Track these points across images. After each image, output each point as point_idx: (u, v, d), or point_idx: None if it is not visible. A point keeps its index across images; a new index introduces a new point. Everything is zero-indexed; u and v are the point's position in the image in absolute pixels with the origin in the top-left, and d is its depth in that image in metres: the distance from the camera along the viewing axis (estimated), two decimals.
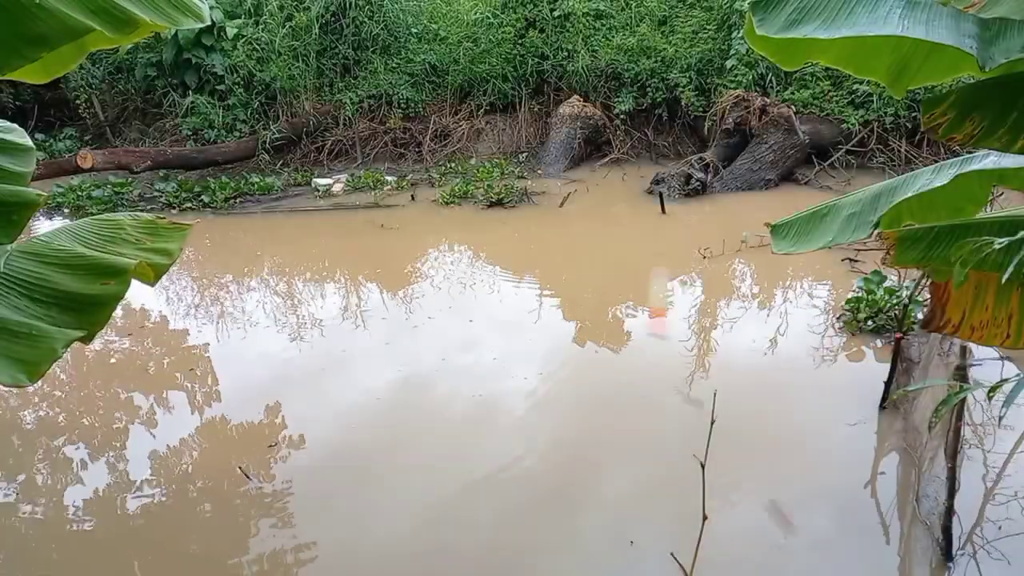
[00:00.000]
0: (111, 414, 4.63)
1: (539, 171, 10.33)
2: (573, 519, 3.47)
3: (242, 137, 10.85)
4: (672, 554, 3.05)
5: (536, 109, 11.43)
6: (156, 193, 9.60)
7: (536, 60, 11.10)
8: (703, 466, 2.45)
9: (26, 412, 4.66)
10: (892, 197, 2.29)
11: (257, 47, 11.05)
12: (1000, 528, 3.27)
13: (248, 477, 3.84)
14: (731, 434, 3.29)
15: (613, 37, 10.93)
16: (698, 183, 8.89)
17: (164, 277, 2.39)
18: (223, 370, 5.25)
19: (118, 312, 5.99)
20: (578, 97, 10.79)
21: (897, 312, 4.94)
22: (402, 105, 11.18)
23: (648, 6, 11.15)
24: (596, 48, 10.89)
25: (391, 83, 11.16)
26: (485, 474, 3.83)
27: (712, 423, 2.50)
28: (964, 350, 3.18)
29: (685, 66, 10.46)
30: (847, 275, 6.30)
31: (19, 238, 1.93)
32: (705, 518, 2.20)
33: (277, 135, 10.75)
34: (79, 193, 9.35)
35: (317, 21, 10.90)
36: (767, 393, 4.59)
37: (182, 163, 10.31)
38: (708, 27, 10.76)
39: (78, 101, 12.12)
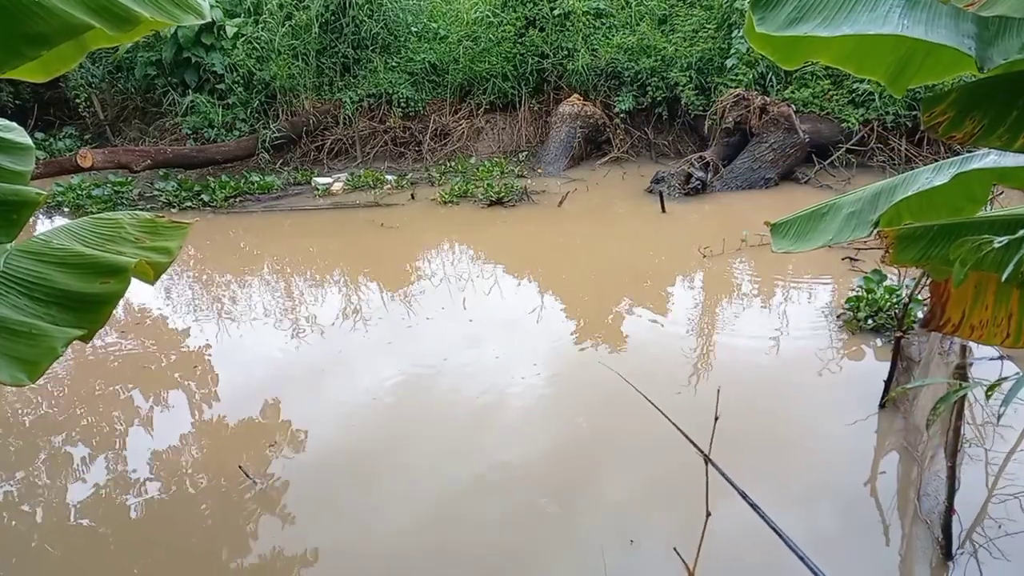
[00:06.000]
0: (111, 413, 4.63)
1: (539, 170, 10.33)
2: (574, 518, 3.47)
3: (242, 136, 10.85)
4: (675, 549, 3.04)
5: (536, 108, 11.44)
6: (156, 192, 9.60)
7: (536, 59, 11.09)
8: (707, 461, 2.44)
9: (26, 411, 4.66)
10: (892, 196, 2.28)
11: (257, 46, 11.05)
12: (1000, 527, 3.28)
13: (248, 477, 3.84)
14: (731, 433, 3.29)
15: (613, 36, 10.93)
16: (698, 182, 8.89)
17: (164, 276, 2.39)
18: (223, 369, 5.25)
19: (118, 311, 5.99)
20: (578, 96, 10.79)
21: (897, 311, 4.94)
22: (402, 104, 11.18)
23: (648, 5, 11.14)
24: (596, 47, 10.88)
25: (391, 82, 11.15)
26: (486, 473, 3.83)
27: (716, 419, 2.49)
28: (964, 349, 3.18)
29: (685, 65, 10.46)
30: (847, 274, 6.30)
31: (19, 237, 1.93)
32: (708, 514, 2.19)
33: (277, 134, 10.75)
34: (79, 192, 9.35)
35: (317, 20, 10.90)
36: (767, 392, 4.59)
37: (182, 162, 10.31)
38: (708, 26, 10.76)
39: (78, 100, 12.13)
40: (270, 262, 7.62)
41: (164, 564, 3.35)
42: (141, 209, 8.46)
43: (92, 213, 7.82)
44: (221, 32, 10.93)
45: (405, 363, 5.05)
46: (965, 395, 2.96)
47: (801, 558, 2.67)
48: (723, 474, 2.78)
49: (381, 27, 11.23)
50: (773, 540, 3.09)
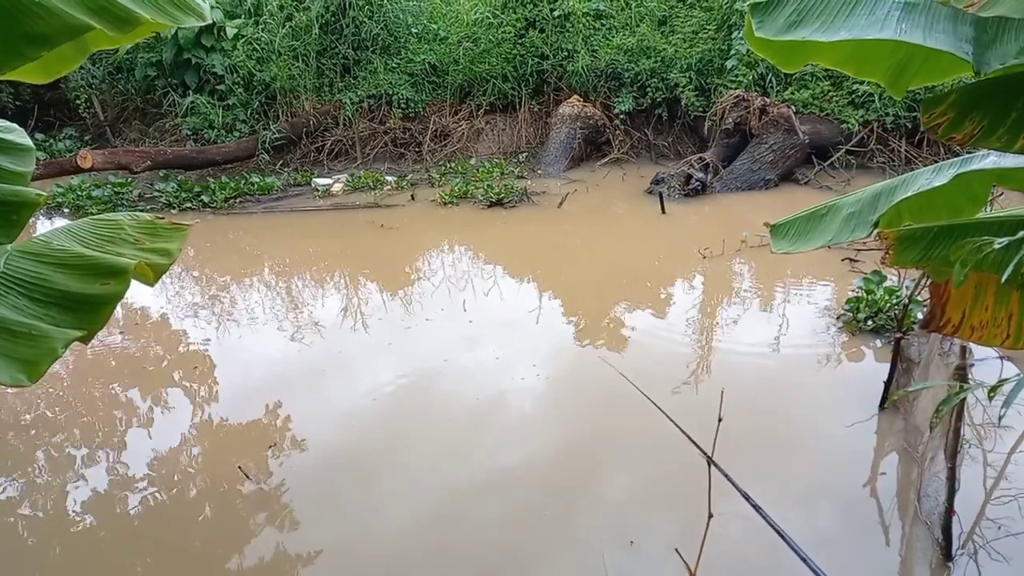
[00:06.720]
0: (111, 414, 4.63)
1: (539, 171, 10.33)
2: (574, 519, 3.47)
3: (242, 137, 10.85)
4: (677, 550, 3.04)
5: (536, 109, 11.43)
6: (156, 193, 9.60)
7: (536, 60, 11.09)
8: (710, 463, 2.44)
9: (26, 412, 4.66)
10: (891, 197, 2.28)
11: (257, 47, 11.05)
12: (1000, 528, 3.28)
13: (248, 477, 3.84)
14: (731, 434, 3.28)
15: (613, 37, 10.93)
16: (698, 183, 8.89)
17: (164, 277, 2.39)
18: (223, 370, 5.25)
19: (118, 312, 5.99)
20: (578, 97, 10.79)
21: (897, 312, 4.94)
22: (402, 105, 11.18)
23: (648, 6, 11.15)
24: (596, 48, 10.89)
25: (391, 83, 11.16)
26: (486, 473, 3.84)
27: (719, 421, 2.49)
28: (964, 350, 3.18)
29: (685, 66, 10.46)
30: (847, 275, 6.30)
31: (19, 238, 1.93)
32: (711, 515, 2.19)
33: (277, 135, 10.75)
34: (79, 193, 9.35)
35: (317, 21, 10.89)
36: (767, 392, 4.60)
37: (182, 163, 10.31)
38: (708, 27, 10.76)
39: (78, 101, 12.13)
40: (270, 263, 7.62)
41: (164, 564, 3.35)
42: (141, 210, 8.47)
43: (92, 214, 7.82)
44: (221, 33, 10.93)
45: (405, 364, 5.05)
46: (965, 396, 2.96)
47: (804, 560, 2.67)
48: (727, 476, 2.78)
49: (381, 28, 11.23)
50: (774, 542, 3.09)
